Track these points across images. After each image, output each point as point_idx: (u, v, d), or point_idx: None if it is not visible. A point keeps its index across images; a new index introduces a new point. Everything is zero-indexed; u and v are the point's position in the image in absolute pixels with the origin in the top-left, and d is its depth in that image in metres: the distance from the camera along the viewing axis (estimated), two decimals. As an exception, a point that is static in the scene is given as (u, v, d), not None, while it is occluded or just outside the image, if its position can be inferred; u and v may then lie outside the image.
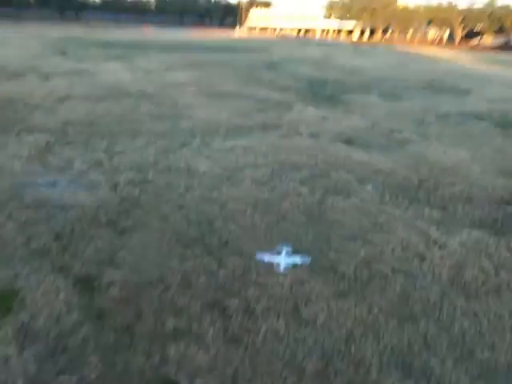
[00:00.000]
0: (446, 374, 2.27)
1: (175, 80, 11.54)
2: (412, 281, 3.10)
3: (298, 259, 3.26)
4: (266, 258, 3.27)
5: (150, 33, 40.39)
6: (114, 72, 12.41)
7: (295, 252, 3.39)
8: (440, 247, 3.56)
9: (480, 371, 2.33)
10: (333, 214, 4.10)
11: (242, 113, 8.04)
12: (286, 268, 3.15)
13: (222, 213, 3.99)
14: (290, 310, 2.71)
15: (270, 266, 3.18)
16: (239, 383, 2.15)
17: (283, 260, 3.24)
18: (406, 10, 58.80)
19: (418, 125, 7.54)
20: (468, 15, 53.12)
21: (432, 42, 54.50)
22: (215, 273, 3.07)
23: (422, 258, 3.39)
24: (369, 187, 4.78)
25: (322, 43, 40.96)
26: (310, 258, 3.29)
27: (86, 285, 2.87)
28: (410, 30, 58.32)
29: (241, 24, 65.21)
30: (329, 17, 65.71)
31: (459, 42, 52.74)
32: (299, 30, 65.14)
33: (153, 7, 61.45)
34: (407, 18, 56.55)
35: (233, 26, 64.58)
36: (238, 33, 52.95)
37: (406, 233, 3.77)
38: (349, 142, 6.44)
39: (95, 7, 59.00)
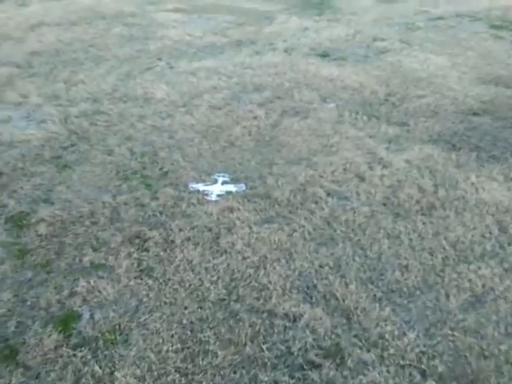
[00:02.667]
0: (347, 297, 2.30)
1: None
2: (343, 203, 3.04)
3: (232, 187, 3.23)
4: (201, 187, 3.25)
5: None
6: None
7: (233, 180, 3.35)
8: (384, 167, 3.44)
9: (385, 292, 2.35)
10: (284, 137, 3.97)
11: (218, 29, 7.58)
12: (218, 196, 3.14)
13: (169, 142, 3.91)
14: (210, 239, 2.73)
15: (204, 196, 3.17)
16: (139, 314, 2.23)
17: (216, 189, 3.21)
18: None
19: (406, 31, 6.97)
20: None
21: None
22: (146, 205, 3.08)
23: (362, 179, 3.30)
24: (331, 105, 4.56)
25: None
26: (244, 186, 3.26)
27: (16, 223, 2.93)
28: None
29: None
30: None
31: None
32: None
33: None
34: None
35: None
36: None
37: (353, 153, 3.64)
38: (324, 55, 6.05)
39: None
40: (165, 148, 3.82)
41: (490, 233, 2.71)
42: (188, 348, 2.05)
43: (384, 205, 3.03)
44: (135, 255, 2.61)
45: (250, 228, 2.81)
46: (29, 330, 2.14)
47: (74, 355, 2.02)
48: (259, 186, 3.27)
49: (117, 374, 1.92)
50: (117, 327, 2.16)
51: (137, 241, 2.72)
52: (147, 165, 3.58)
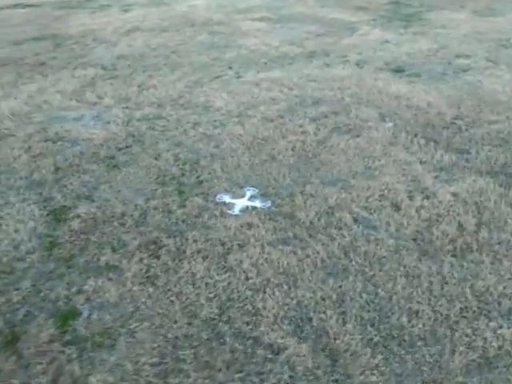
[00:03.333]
0: (340, 336, 2.15)
1: (247, 5, 11.11)
2: (368, 232, 2.85)
3: (257, 202, 3.20)
4: (227, 199, 3.26)
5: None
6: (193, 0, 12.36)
7: (262, 195, 3.31)
8: (426, 197, 3.16)
9: (383, 338, 2.15)
10: (328, 155, 3.84)
11: (296, 39, 7.56)
12: (241, 211, 3.13)
13: (213, 151, 3.99)
14: (220, 254, 2.73)
15: (229, 208, 3.18)
16: (132, 320, 2.30)
17: (242, 203, 3.20)
18: None
19: (496, 47, 6.34)
20: None
21: None
22: (173, 212, 3.17)
23: (397, 208, 3.07)
24: (389, 125, 4.31)
25: None
26: (270, 203, 3.20)
27: (56, 216, 3.20)
28: None
29: None
30: None
31: None
32: None
33: None
34: None
35: None
36: None
37: (396, 179, 3.39)
38: (398, 70, 5.73)
39: None
40: (208, 157, 3.90)
41: (528, 287, 2.36)
42: (165, 363, 2.06)
43: (413, 240, 2.78)
44: (146, 261, 2.70)
45: (263, 247, 2.75)
46: (33, 321, 2.32)
47: (63, 352, 2.14)
48: (286, 204, 3.19)
49: (91, 378, 1.99)
50: (108, 331, 2.25)
51: (152, 246, 2.82)
52: (186, 172, 3.69)
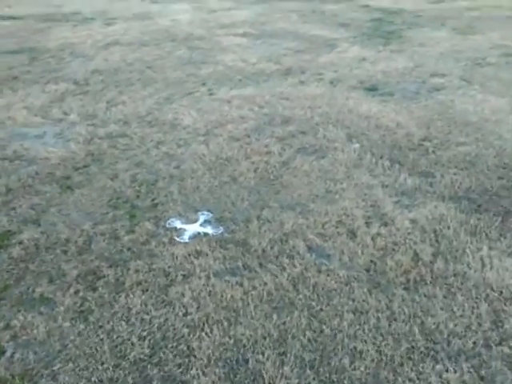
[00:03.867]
0: (275, 381, 2.00)
1: (231, 20, 11.09)
2: (320, 262, 2.72)
3: (209, 229, 3.06)
4: (178, 225, 3.12)
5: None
6: (177, 14, 12.31)
7: (216, 221, 3.18)
8: (383, 224, 3.04)
9: (322, 382, 2.00)
10: (290, 177, 3.72)
11: (274, 56, 7.50)
12: (191, 238, 2.99)
13: (173, 172, 3.86)
14: (162, 286, 2.58)
15: (179, 235, 3.03)
16: (56, 361, 2.14)
17: (193, 228, 3.06)
18: None
19: (472, 66, 6.30)
20: None
21: None
22: (120, 239, 3.02)
23: (353, 236, 2.94)
24: (355, 146, 4.21)
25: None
26: (223, 229, 3.06)
27: (0, 242, 3.04)
28: None
29: None
30: None
31: None
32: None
33: None
34: None
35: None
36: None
37: (355, 204, 3.28)
38: (371, 89, 5.66)
39: None
40: (166, 178, 3.77)
41: (480, 325, 2.22)
42: (83, 410, 1.91)
43: (366, 270, 2.65)
44: (82, 293, 2.54)
45: (208, 279, 2.61)
46: (-49, 360, 2.15)
47: (-24, 395, 1.98)
48: (240, 230, 3.06)
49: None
50: (29, 372, 2.09)
51: (91, 277, 2.66)
52: (142, 194, 3.55)
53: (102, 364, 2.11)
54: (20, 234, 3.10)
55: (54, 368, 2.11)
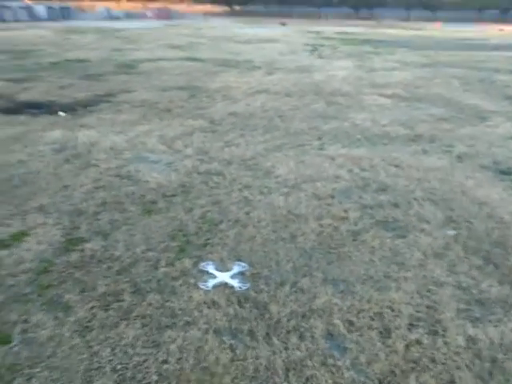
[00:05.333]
0: None
1: (386, 81, 10.90)
2: (331, 353, 2.35)
3: (236, 282, 2.94)
4: (211, 269, 3.09)
5: (438, 28, 38.50)
6: (336, 70, 12.65)
7: (249, 276, 3.05)
8: (431, 333, 2.49)
9: None
10: (351, 250, 3.37)
11: (410, 120, 7.07)
12: (215, 287, 2.91)
13: (240, 217, 3.87)
14: (162, 326, 2.56)
15: (205, 280, 2.99)
16: (42, 365, 2.28)
17: (221, 277, 2.98)
18: None
19: None
20: None
21: None
22: (157, 269, 3.12)
23: (385, 335, 2.48)
24: (449, 233, 3.62)
25: None
26: (249, 286, 2.91)
27: (68, 245, 3.43)
28: None
29: None
30: None
31: None
32: None
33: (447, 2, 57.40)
34: None
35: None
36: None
37: (409, 299, 2.77)
38: (505, 172, 4.83)
39: (391, 4, 59.41)
40: (231, 221, 3.78)
41: None
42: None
43: (378, 382, 2.20)
44: (94, 310, 2.66)
45: (206, 333, 2.49)
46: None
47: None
48: (267, 292, 2.86)
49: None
50: (14, 367, 2.27)
51: (110, 298, 2.78)
52: (201, 232, 3.62)
53: (71, 383, 2.19)
54: (86, 243, 3.47)
55: (34, 371, 2.26)
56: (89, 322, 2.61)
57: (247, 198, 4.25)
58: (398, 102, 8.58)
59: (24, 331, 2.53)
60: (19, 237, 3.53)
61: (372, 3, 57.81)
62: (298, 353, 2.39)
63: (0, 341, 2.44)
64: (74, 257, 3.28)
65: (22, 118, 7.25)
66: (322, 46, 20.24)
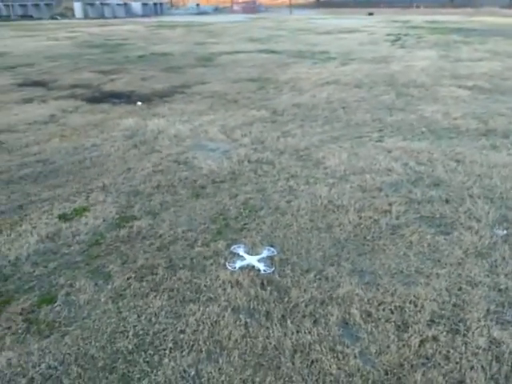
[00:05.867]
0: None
1: (470, 71, 10.17)
2: (342, 340, 2.36)
3: (262, 265, 3.03)
4: (241, 251, 3.20)
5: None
6: (416, 60, 12.03)
7: (279, 261, 3.12)
8: (452, 331, 2.38)
9: None
10: (387, 243, 3.30)
11: (485, 114, 6.57)
12: (242, 268, 3.03)
13: (280, 205, 3.94)
14: (186, 300, 2.74)
15: (234, 261, 3.11)
16: (76, 325, 2.57)
17: (249, 260, 3.09)
18: None
19: None
20: None
21: None
22: (193, 248, 3.31)
23: (402, 329, 2.42)
24: (499, 232, 3.38)
25: None
26: (273, 269, 2.98)
27: (121, 221, 3.75)
28: None
29: None
30: None
31: None
32: None
33: None
34: None
35: None
36: None
37: (436, 295, 2.66)
38: None
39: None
40: (270, 209, 3.87)
41: None
42: None
43: (384, 373, 2.18)
44: (130, 281, 2.93)
45: (224, 310, 2.63)
46: None
47: None
48: (291, 277, 2.92)
49: None
50: (52, 324, 2.59)
51: (145, 271, 3.03)
52: (241, 217, 3.74)
53: (97, 342, 2.45)
54: (136, 221, 3.77)
55: (68, 329, 2.55)
56: (123, 290, 2.87)
57: (292, 187, 4.30)
58: (477, 95, 8.00)
59: (68, 294, 2.85)
60: (80, 212, 3.94)
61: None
62: (309, 337, 2.43)
63: (46, 300, 2.78)
64: (123, 232, 3.59)
65: (103, 106, 7.92)
66: (406, 35, 19.30)
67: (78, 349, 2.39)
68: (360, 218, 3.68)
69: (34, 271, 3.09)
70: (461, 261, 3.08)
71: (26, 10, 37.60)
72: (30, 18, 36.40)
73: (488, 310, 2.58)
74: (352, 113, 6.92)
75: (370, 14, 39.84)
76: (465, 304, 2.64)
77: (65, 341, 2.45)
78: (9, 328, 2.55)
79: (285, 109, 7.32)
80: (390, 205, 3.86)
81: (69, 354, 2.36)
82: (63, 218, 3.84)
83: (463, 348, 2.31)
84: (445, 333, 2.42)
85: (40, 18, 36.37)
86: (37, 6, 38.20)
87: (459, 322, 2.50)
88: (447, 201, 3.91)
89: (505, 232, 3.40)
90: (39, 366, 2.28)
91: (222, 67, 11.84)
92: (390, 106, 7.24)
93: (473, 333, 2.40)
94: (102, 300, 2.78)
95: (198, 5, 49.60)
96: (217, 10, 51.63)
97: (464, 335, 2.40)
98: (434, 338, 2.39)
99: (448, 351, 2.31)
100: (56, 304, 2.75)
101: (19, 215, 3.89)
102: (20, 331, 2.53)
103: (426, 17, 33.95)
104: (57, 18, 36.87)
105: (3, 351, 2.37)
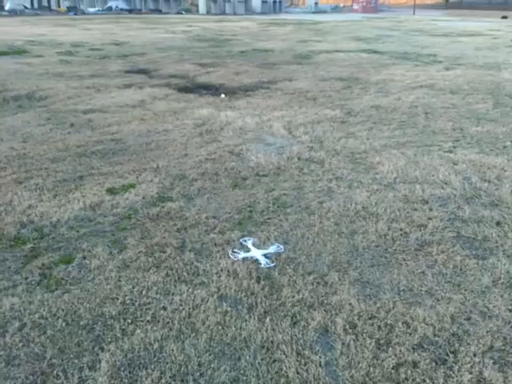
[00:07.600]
0: None
1: None
2: (319, 352, 2.24)
3: (263, 259, 2.99)
4: (249, 244, 3.19)
5: None
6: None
7: (284, 258, 3.05)
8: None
9: None
10: (409, 258, 3.03)
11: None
12: (244, 259, 3.02)
13: (310, 205, 3.83)
14: (181, 280, 2.82)
15: (236, 253, 3.11)
16: (85, 281, 2.81)
17: (254, 253, 3.06)
18: None
19: None
20: None
21: None
22: (208, 234, 3.39)
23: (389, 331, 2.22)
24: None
25: None
26: (273, 265, 2.92)
27: (157, 201, 3.98)
28: None
29: None
30: None
31: None
32: None
33: None
34: None
35: None
36: None
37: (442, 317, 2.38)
38: None
39: None
40: (299, 208, 3.79)
41: None
42: None
43: (338, 385, 2.03)
44: (140, 253, 3.11)
45: (211, 296, 2.66)
46: None
47: None
48: (290, 276, 2.84)
49: None
50: (61, 282, 2.85)
51: (157, 248, 3.19)
52: (267, 212, 3.73)
53: (88, 303, 2.65)
54: (170, 202, 3.95)
55: (71, 287, 2.79)
56: (130, 262, 3.06)
57: (330, 189, 4.15)
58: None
59: (84, 258, 3.12)
60: (127, 188, 4.26)
61: None
62: (281, 336, 2.37)
63: (65, 260, 3.08)
64: (154, 211, 3.80)
65: (190, 96, 8.37)
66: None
67: (71, 306, 2.62)
68: (389, 228, 3.43)
69: (66, 234, 3.44)
70: (485, 289, 2.72)
71: (158, 4, 41.04)
72: (159, 12, 39.63)
73: (491, 347, 2.25)
74: (433, 119, 6.41)
75: (504, 17, 36.17)
76: (465, 335, 2.33)
77: (63, 297, 2.70)
78: (26, 278, 2.89)
79: (361, 110, 7.04)
80: (429, 219, 3.53)
81: (62, 309, 2.60)
82: (110, 191, 4.18)
83: (441, 380, 2.06)
84: (428, 360, 2.17)
85: (167, 13, 39.46)
86: (167, 0, 41.45)
87: (450, 352, 2.23)
88: (498, 223, 3.46)
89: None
90: (34, 314, 2.55)
91: (315, 65, 11.74)
92: (480, 116, 6.56)
93: (460, 367, 2.12)
94: (109, 268, 2.99)
95: (316, 3, 49.56)
96: (336, 9, 51.07)
97: (449, 368, 2.13)
98: (414, 364, 2.16)
99: (423, 380, 2.07)
100: (71, 265, 3.04)
101: (76, 184, 4.33)
102: (33, 283, 2.84)
103: None
104: (182, 13, 39.66)
105: (12, 297, 2.70)
